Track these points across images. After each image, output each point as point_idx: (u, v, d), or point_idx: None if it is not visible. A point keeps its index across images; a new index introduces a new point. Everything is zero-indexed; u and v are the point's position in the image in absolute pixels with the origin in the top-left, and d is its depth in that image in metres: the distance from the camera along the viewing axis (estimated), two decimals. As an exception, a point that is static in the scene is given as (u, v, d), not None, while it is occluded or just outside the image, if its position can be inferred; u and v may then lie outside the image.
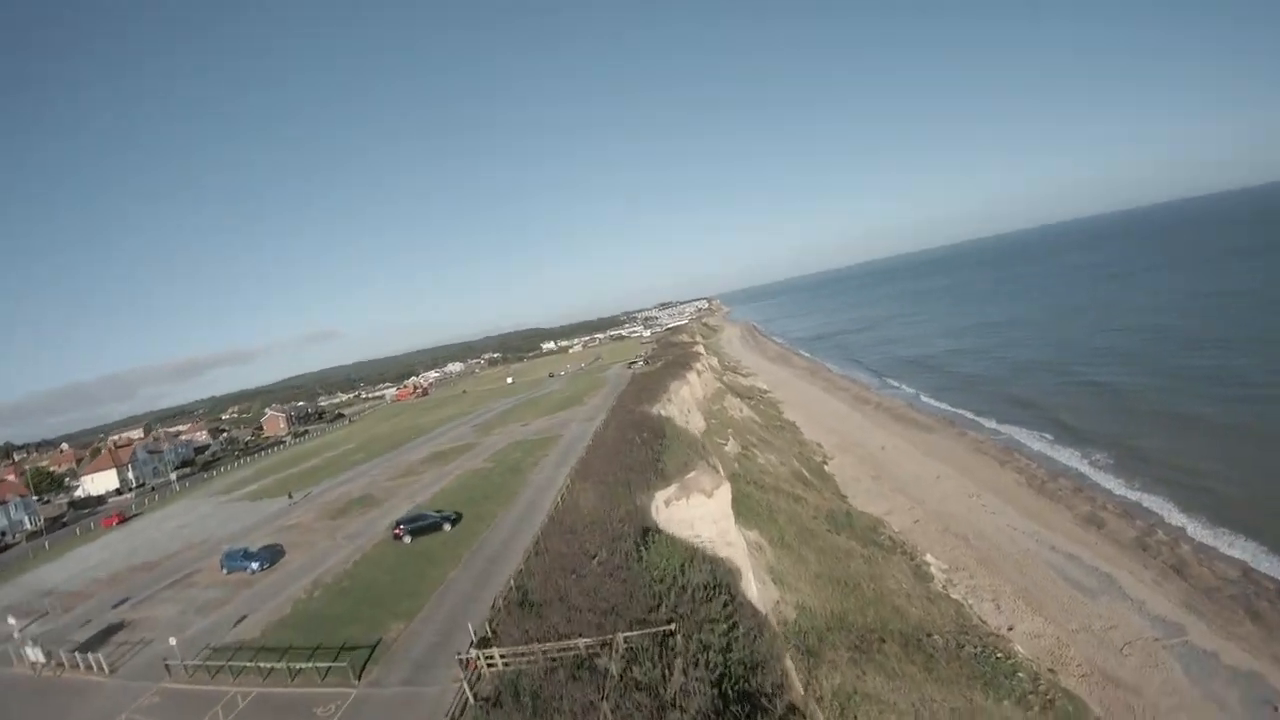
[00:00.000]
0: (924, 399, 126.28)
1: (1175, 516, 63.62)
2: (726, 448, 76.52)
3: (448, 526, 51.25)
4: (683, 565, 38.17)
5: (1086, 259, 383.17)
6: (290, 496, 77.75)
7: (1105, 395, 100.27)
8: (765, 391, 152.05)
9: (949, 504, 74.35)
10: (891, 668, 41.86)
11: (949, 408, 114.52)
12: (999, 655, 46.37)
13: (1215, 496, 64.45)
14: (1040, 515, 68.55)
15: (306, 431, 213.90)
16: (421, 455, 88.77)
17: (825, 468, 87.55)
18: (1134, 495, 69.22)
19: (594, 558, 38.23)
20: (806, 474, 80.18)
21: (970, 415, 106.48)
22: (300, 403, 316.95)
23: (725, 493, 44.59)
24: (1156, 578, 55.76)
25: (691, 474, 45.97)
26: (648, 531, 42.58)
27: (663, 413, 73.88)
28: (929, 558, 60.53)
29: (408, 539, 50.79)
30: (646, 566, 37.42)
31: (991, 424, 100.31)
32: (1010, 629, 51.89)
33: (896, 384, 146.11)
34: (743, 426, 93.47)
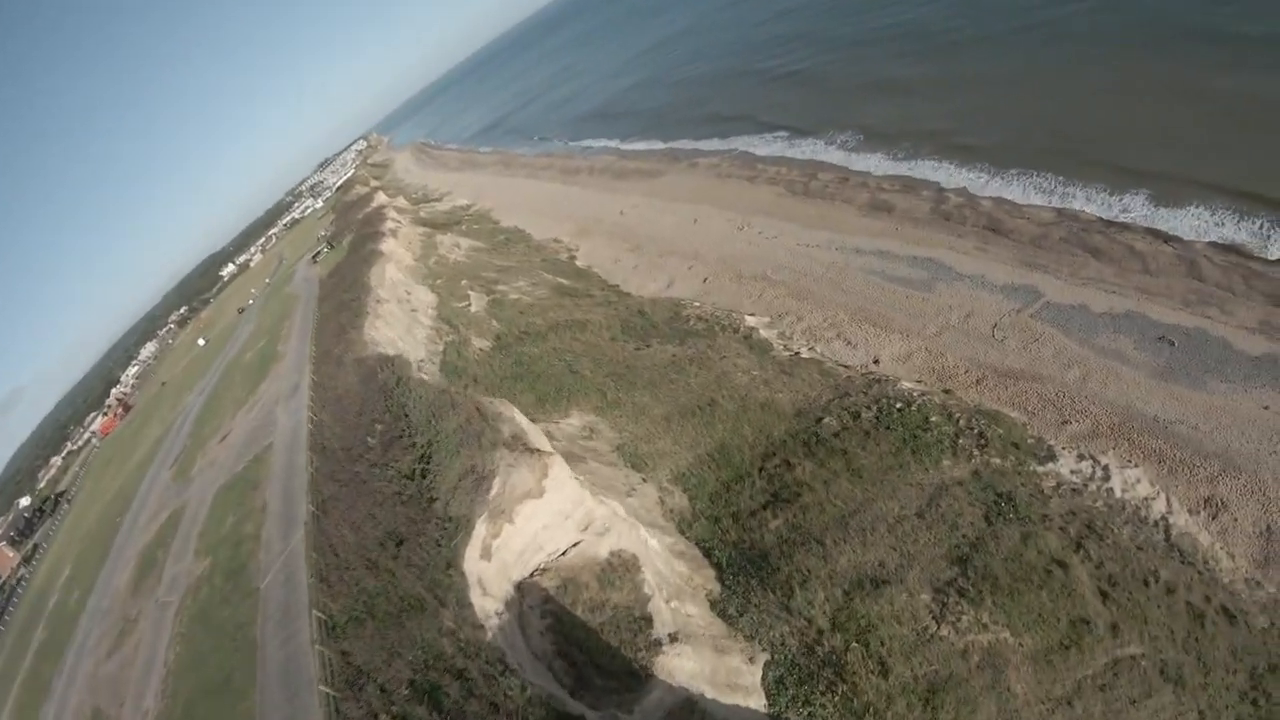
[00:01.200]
0: (632, 145, 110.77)
1: (954, 177, 55.82)
2: (472, 308, 55.38)
3: None
4: None
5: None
6: None
7: (809, 84, 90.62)
8: (468, 207, 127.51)
9: (726, 246, 61.18)
10: (826, 501, 28.53)
11: (662, 144, 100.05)
12: (898, 406, 35.25)
13: (976, 149, 57.40)
14: (824, 220, 57.68)
15: (36, 548, 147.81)
16: (129, 569, 53.71)
17: (577, 263, 70.10)
18: (901, 169, 60.58)
19: None
20: (565, 282, 62.40)
21: (690, 144, 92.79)
22: (23, 500, 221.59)
23: (559, 469, 27.27)
24: (978, 245, 47.24)
25: (494, 484, 26.79)
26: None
27: (383, 349, 48.52)
28: (749, 319, 47.12)
29: None
30: None
31: (715, 144, 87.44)
32: (877, 362, 40.98)
33: (595, 142, 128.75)
34: (472, 267, 71.21)
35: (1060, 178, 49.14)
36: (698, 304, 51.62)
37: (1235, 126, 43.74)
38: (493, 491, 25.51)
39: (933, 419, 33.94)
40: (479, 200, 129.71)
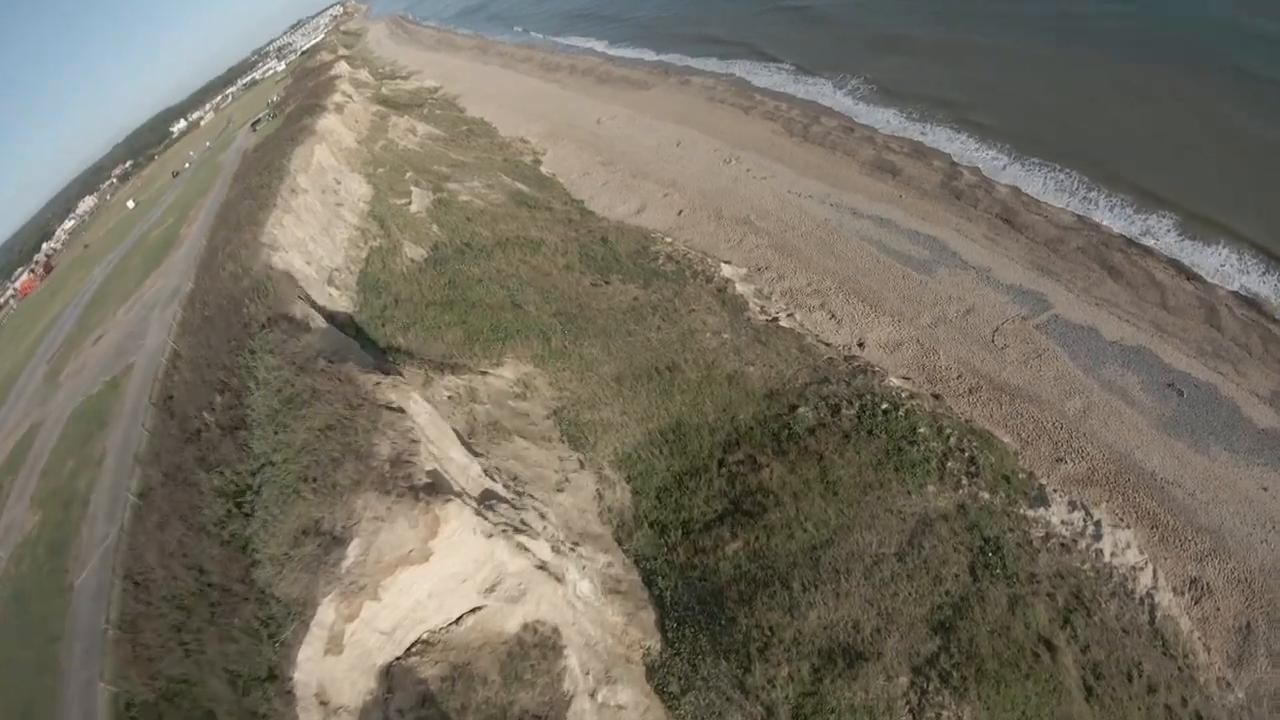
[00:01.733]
0: (620, 51, 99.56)
1: (969, 153, 49.53)
2: (412, 208, 45.57)
3: None
4: None
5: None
6: None
7: (815, 23, 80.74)
8: (435, 90, 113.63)
9: (709, 179, 53.55)
10: (795, 522, 23.27)
11: (654, 55, 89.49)
12: (883, 407, 29.66)
13: (994, 129, 50.41)
14: (821, 171, 50.57)
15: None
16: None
17: (542, 169, 60.86)
18: (912, 131, 53.66)
19: None
20: (525, 189, 53.42)
21: (683, 60, 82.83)
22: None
23: (459, 520, 18.21)
24: (988, 234, 41.26)
25: (350, 551, 17.18)
26: None
27: (283, 255, 34.79)
28: (725, 268, 40.32)
29: None
30: None
31: (712, 64, 77.97)
32: (862, 345, 35.13)
33: (581, 40, 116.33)
34: (424, 157, 59.98)
35: (1084, 179, 43.59)
36: (669, 239, 44.26)
37: (1274, 181, 38.60)
38: (348, 562, 16.74)
39: (920, 430, 28.39)
40: (448, 84, 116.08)
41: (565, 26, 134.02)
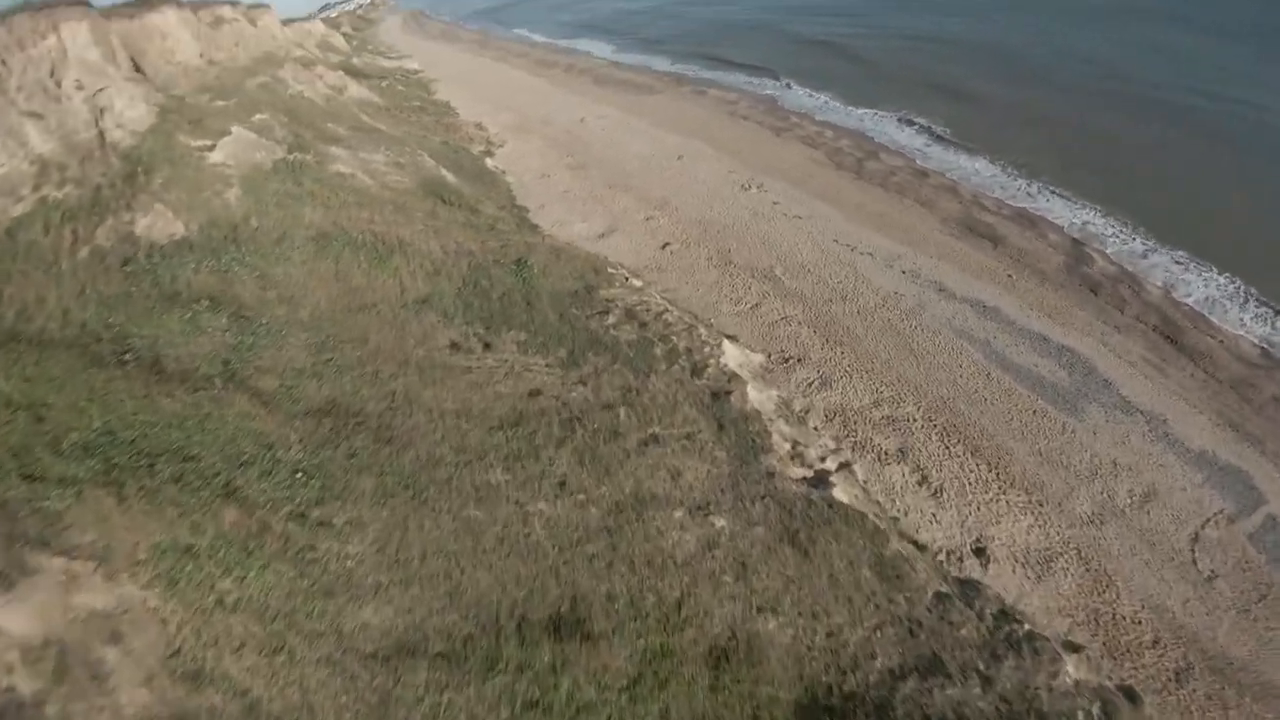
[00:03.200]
0: (626, 56, 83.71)
1: (1095, 232, 34.11)
2: (214, 156, 24.26)
3: None
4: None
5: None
6: None
7: (854, 61, 65.19)
8: (416, 72, 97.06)
9: (716, 206, 37.09)
10: None
11: (666, 65, 73.53)
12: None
13: (1115, 202, 35.20)
14: (885, 220, 34.48)
15: None
16: None
17: (489, 163, 43.41)
18: (1016, 191, 37.89)
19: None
20: (450, 179, 35.42)
21: (703, 73, 66.61)
22: None
23: None
24: (1149, 356, 26.15)
25: None
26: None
27: None
28: (728, 350, 23.50)
29: None
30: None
31: (738, 79, 62.07)
32: (981, 554, 18.84)
33: (590, 44, 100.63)
34: (321, 111, 38.48)
35: (1254, 293, 28.75)
36: (637, 283, 26.76)
37: None
38: None
39: None
40: (430, 69, 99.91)
41: (568, 32, 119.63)
